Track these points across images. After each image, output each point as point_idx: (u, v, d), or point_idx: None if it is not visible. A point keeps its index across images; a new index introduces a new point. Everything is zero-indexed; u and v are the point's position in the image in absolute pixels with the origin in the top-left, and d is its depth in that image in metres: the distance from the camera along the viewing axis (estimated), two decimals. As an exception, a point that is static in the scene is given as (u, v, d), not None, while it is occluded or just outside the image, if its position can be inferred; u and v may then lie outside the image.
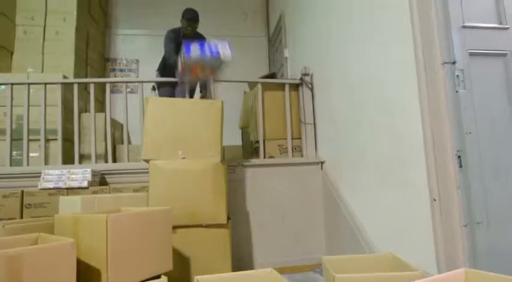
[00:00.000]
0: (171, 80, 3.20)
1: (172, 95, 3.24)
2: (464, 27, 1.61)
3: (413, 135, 1.71)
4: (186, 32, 3.02)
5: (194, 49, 2.47)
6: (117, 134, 3.81)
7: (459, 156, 1.54)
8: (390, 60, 1.94)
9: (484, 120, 1.59)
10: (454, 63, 1.57)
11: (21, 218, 2.40)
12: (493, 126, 1.60)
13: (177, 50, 3.02)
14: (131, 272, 1.47)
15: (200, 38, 3.10)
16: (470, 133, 1.55)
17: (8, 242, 1.33)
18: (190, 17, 2.98)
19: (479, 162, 1.55)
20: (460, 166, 1.54)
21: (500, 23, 1.69)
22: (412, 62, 1.69)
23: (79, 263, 1.32)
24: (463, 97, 1.56)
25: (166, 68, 3.24)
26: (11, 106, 2.85)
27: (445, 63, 1.58)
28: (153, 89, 3.33)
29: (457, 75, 1.57)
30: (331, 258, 1.77)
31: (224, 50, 2.49)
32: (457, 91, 1.56)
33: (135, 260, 1.50)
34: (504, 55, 1.66)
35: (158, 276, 1.58)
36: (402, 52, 1.78)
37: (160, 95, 3.24)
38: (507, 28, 1.68)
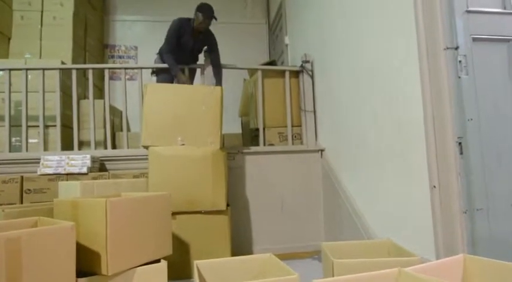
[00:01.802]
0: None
1: (171, 81, 3.21)
2: (468, 11, 1.58)
3: (414, 122, 1.70)
4: (199, 27, 2.93)
5: None
6: (117, 121, 3.79)
7: (460, 143, 1.53)
8: (392, 46, 1.91)
9: (486, 107, 1.57)
10: (456, 48, 1.55)
11: (21, 203, 2.41)
12: (495, 113, 1.59)
13: (179, 45, 2.98)
14: (130, 256, 1.47)
15: (208, 38, 3.04)
16: (471, 119, 1.53)
17: (7, 225, 1.33)
18: (210, 14, 2.86)
19: (480, 149, 1.54)
20: (461, 152, 1.53)
21: (505, 8, 1.66)
22: (414, 47, 1.67)
23: (78, 246, 1.32)
24: (465, 83, 1.54)
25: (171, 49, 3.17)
26: (9, 92, 2.82)
27: (447, 48, 1.56)
28: (153, 73, 3.29)
29: (460, 61, 1.54)
30: (330, 244, 1.78)
31: None
32: (459, 77, 1.54)
33: (135, 244, 1.51)
34: (508, 41, 1.64)
35: (158, 261, 1.59)
36: (404, 37, 1.76)
37: (159, 81, 3.21)
38: (511, 13, 1.65)
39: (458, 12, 1.57)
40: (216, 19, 2.92)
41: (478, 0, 1.62)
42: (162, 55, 3.09)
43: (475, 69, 1.57)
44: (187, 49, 3.08)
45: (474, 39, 1.59)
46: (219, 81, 3.00)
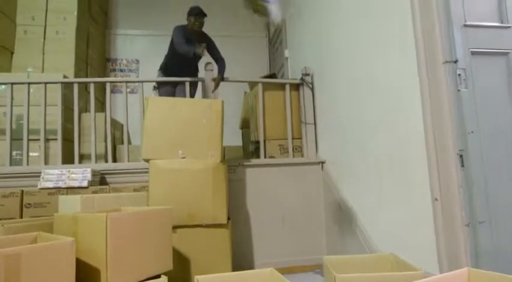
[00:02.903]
0: (172, 79, 3.20)
1: (173, 95, 3.23)
2: (466, 25, 1.60)
3: (414, 135, 1.70)
4: (193, 28, 3.02)
5: None
6: (117, 134, 3.81)
7: (461, 156, 1.53)
8: (392, 60, 1.93)
9: (485, 119, 1.58)
10: (456, 62, 1.56)
11: (21, 217, 2.39)
12: (495, 125, 1.59)
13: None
14: (131, 272, 1.46)
15: (205, 37, 3.11)
16: (472, 132, 1.54)
17: (6, 241, 1.32)
18: (198, 11, 3.00)
19: (481, 161, 1.54)
20: (462, 165, 1.53)
21: (502, 22, 1.68)
22: (413, 61, 1.68)
23: (78, 262, 1.31)
24: (464, 96, 1.55)
25: (168, 67, 3.23)
26: (11, 106, 2.84)
27: (446, 62, 1.57)
28: (154, 88, 3.33)
29: (459, 74, 1.56)
30: (332, 258, 1.76)
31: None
32: (458, 90, 1.55)
33: (135, 259, 1.49)
34: (506, 54, 1.66)
35: (158, 276, 1.57)
36: (404, 51, 1.78)
37: (161, 94, 3.23)
38: (509, 27, 1.67)
39: (456, 26, 1.59)
40: (206, 15, 3.03)
41: (476, 14, 1.64)
42: (163, 69, 3.14)
43: (474, 83, 1.58)
44: (194, 51, 3.08)
45: (473, 53, 1.60)
46: (221, 72, 3.09)
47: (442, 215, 1.55)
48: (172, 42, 3.07)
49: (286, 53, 4.37)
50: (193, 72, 3.27)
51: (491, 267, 1.25)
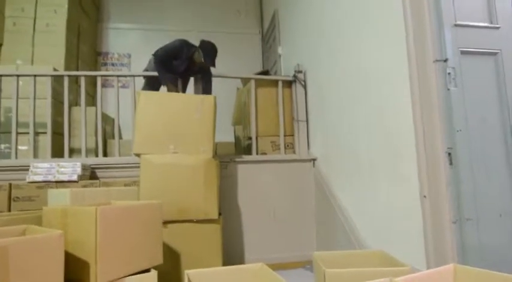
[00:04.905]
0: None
1: (175, 80, 3.06)
2: (456, 25, 1.63)
3: (404, 133, 1.72)
4: (196, 66, 2.87)
5: None
6: (108, 128, 3.77)
7: (449, 153, 1.56)
8: (382, 58, 1.95)
9: (474, 118, 1.60)
10: (445, 60, 1.59)
11: (9, 211, 2.36)
12: (483, 124, 1.62)
13: (170, 64, 2.86)
14: (120, 266, 1.45)
15: (206, 70, 2.97)
16: (460, 130, 1.56)
17: (-6, 234, 1.30)
18: (211, 61, 2.75)
19: (469, 159, 1.57)
20: (450, 163, 1.55)
21: (491, 23, 1.71)
22: (404, 59, 1.70)
23: (67, 255, 1.30)
24: (454, 94, 1.57)
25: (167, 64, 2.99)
26: (0, 98, 2.79)
27: (436, 60, 1.60)
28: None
29: (449, 73, 1.58)
30: (322, 254, 1.78)
31: None
32: (448, 89, 1.58)
33: (124, 253, 1.49)
34: (495, 54, 1.69)
35: (148, 270, 1.57)
36: (395, 49, 1.79)
37: (147, 83, 3.13)
38: (498, 27, 1.70)
39: (447, 25, 1.61)
40: (215, 66, 2.84)
41: (465, 14, 1.67)
42: (156, 60, 3.00)
43: (464, 82, 1.61)
44: (177, 72, 2.97)
45: (462, 52, 1.63)
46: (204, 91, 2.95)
47: (431, 212, 1.57)
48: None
49: (280, 50, 4.37)
50: (183, 86, 3.14)
51: (477, 264, 1.28)
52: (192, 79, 3.20)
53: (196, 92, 3.07)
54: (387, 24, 1.89)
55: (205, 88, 2.99)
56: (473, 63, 1.64)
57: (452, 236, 1.52)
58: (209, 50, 2.81)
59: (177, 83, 3.01)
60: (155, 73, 2.94)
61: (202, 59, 2.79)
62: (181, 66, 2.94)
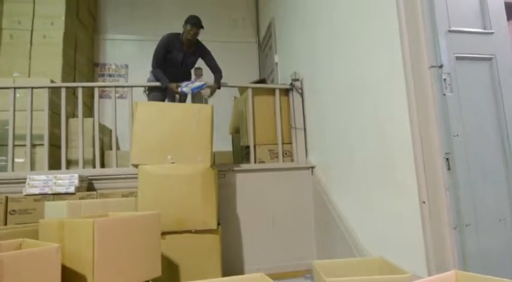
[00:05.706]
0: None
1: (163, 100, 3.21)
2: (450, 31, 1.64)
3: (401, 139, 1.72)
4: (188, 36, 3.04)
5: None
6: (106, 139, 3.76)
7: (447, 159, 1.55)
8: (378, 65, 1.96)
9: (471, 123, 1.61)
10: (441, 66, 1.59)
11: (5, 224, 2.33)
12: (480, 129, 1.62)
13: (168, 59, 3.08)
14: (118, 278, 1.43)
15: (201, 49, 3.18)
16: (457, 135, 1.56)
17: (-11, 248, 1.29)
18: (195, 21, 3.03)
19: (467, 164, 1.56)
20: (448, 168, 1.55)
21: (485, 28, 1.72)
22: (399, 66, 1.71)
23: (64, 268, 1.28)
24: (450, 100, 1.58)
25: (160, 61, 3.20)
26: (-4, 111, 2.79)
27: (432, 66, 1.61)
28: (145, 91, 3.30)
29: (444, 79, 1.59)
30: (322, 262, 1.76)
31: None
32: (444, 94, 1.58)
33: (122, 265, 1.47)
34: (489, 59, 1.70)
35: (146, 282, 1.55)
36: (390, 56, 1.80)
37: (151, 99, 3.21)
38: (492, 33, 1.71)
39: (441, 32, 1.62)
40: (203, 28, 3.06)
41: (459, 20, 1.68)
42: (153, 65, 3.12)
43: (459, 87, 1.61)
44: (177, 63, 3.16)
45: (457, 58, 1.64)
46: (217, 82, 3.15)
47: (430, 218, 1.56)
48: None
49: (276, 58, 4.39)
50: (183, 76, 3.26)
51: (478, 270, 1.27)
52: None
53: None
54: (382, 31, 1.90)
55: (212, 65, 3.22)
56: (468, 69, 1.65)
57: (452, 242, 1.51)
58: (191, 18, 3.05)
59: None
60: (156, 83, 3.06)
61: (188, 26, 3.01)
62: (179, 55, 3.13)
